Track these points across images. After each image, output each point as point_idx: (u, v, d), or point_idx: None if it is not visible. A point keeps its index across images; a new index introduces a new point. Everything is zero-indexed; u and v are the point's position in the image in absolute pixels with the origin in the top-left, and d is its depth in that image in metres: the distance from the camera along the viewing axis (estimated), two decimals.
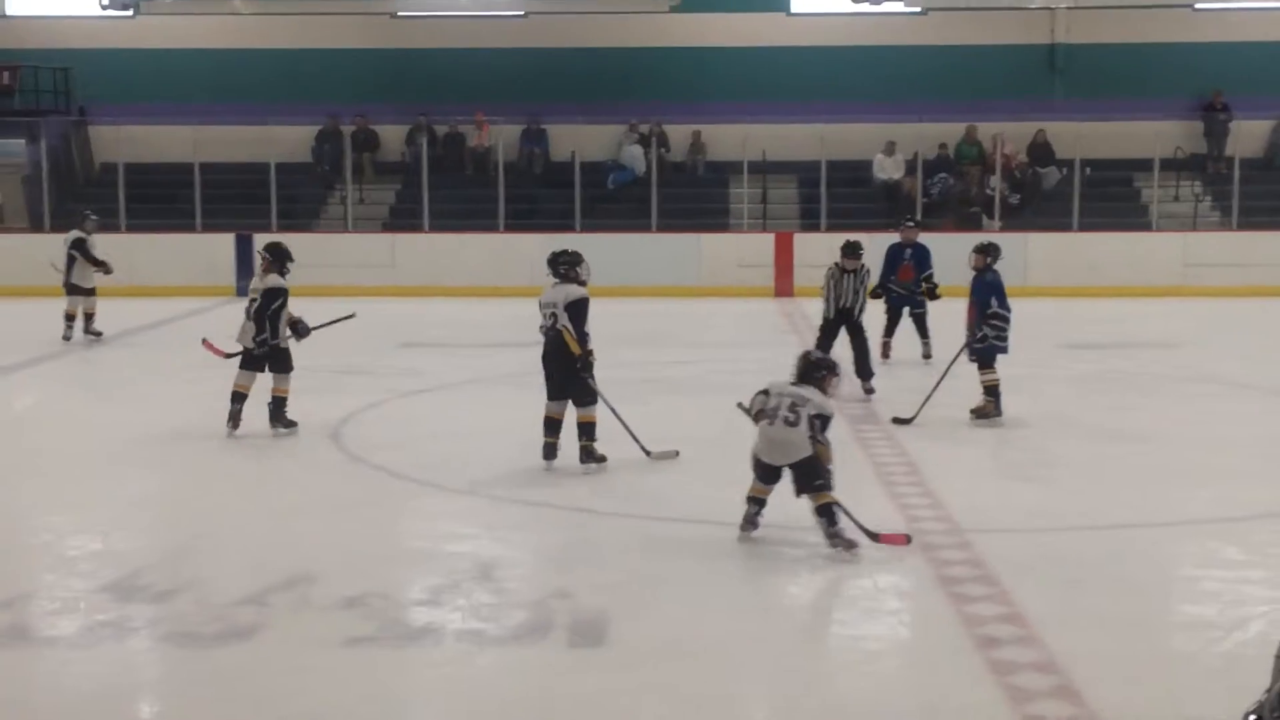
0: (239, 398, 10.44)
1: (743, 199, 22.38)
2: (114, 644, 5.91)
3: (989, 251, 10.80)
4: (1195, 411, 11.69)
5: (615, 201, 22.81)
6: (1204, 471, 9.24)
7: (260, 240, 21.08)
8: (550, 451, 9.30)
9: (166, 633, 6.05)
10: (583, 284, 9.37)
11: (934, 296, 14.04)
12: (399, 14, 23.99)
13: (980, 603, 6.29)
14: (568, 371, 9.18)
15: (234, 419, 10.40)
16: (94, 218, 16.51)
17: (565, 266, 9.37)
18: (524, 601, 6.43)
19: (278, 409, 10.46)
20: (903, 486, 8.69)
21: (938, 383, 10.87)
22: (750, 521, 7.40)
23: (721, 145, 23.22)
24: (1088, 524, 7.81)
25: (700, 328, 17.50)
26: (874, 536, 7.18)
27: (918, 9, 23.34)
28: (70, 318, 16.09)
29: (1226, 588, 6.64)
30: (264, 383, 10.54)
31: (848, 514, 7.17)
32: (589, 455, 9.22)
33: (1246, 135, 22.75)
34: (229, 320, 18.36)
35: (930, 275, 14.06)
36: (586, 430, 9.24)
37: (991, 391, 10.73)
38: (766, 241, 21.28)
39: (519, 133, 23.61)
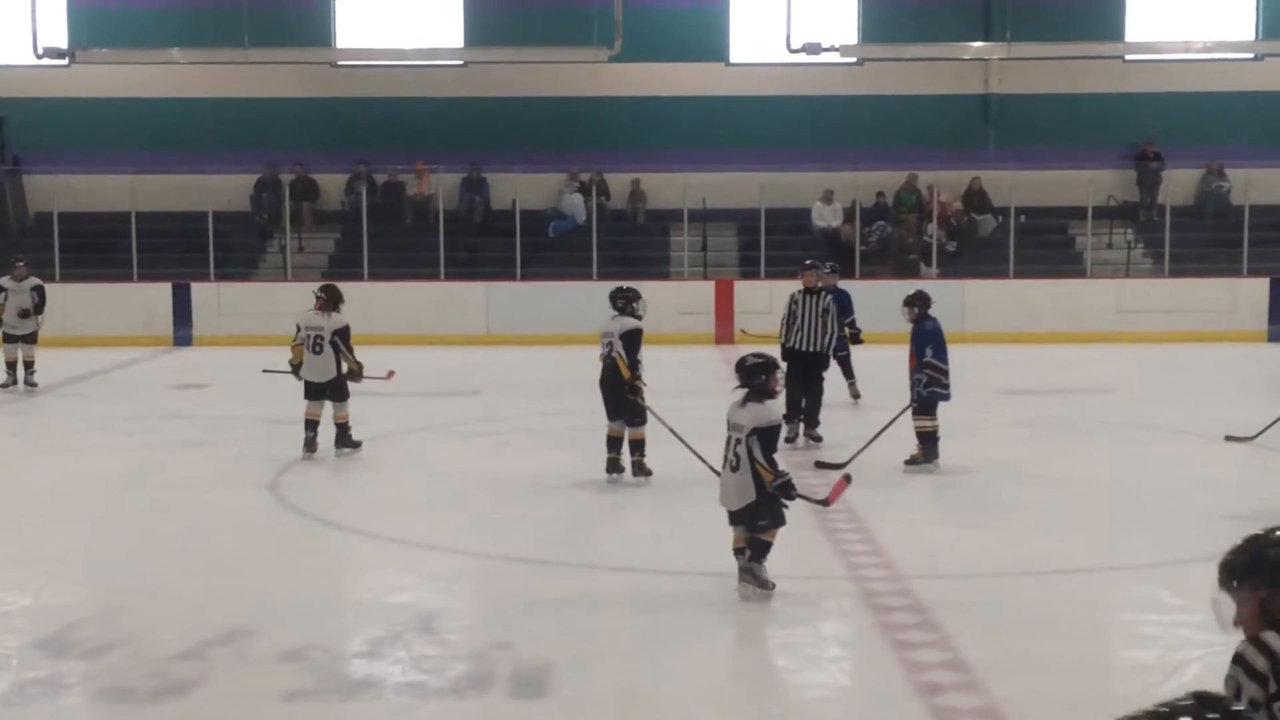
0: (312, 425, 11.50)
1: (683, 247, 22.49)
2: (46, 701, 5.79)
3: (914, 302, 10.93)
4: (1131, 456, 11.82)
5: (556, 250, 22.85)
6: (1141, 516, 9.34)
7: (198, 289, 21.12)
8: (613, 466, 10.40)
9: (101, 689, 5.94)
10: (639, 318, 10.45)
11: (856, 341, 14.11)
12: (339, 64, 23.98)
13: (922, 649, 6.30)
14: (620, 394, 10.25)
15: (309, 445, 11.43)
16: (20, 264, 16.29)
17: (623, 301, 10.48)
18: (465, 653, 6.38)
19: (342, 433, 11.58)
20: (843, 533, 8.71)
21: (875, 436, 10.91)
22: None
23: (662, 193, 23.34)
24: (1028, 569, 7.86)
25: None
26: (824, 502, 7.29)
27: (854, 60, 23.61)
28: (11, 365, 16.00)
29: (1165, 632, 6.69)
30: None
31: (804, 496, 7.16)
32: (640, 469, 10.33)
33: (1177, 184, 23.17)
34: (167, 369, 18.33)
35: (853, 321, 14.12)
36: (637, 447, 10.35)
37: (925, 439, 10.81)
38: (707, 289, 21.38)
39: (459, 181, 23.63)
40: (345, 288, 21.00)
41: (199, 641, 6.47)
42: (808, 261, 12.61)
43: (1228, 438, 12.00)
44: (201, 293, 21.29)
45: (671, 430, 10.02)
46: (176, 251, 22.15)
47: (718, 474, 7.61)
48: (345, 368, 11.56)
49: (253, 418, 13.84)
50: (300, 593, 7.50)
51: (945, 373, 10.70)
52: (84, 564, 8.45)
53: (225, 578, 7.83)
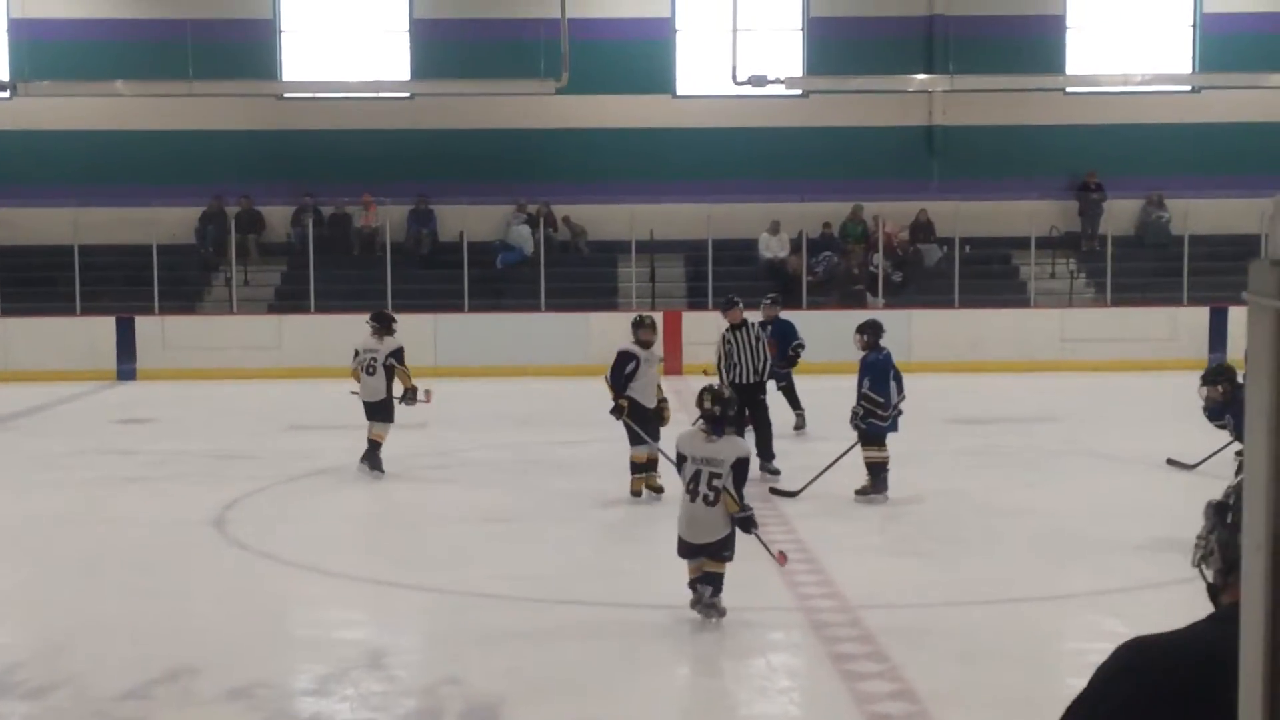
0: (377, 445, 12.11)
1: (631, 278, 22.54)
2: None
3: (864, 330, 11.09)
4: (1077, 484, 11.93)
5: (503, 281, 22.84)
6: (1087, 544, 9.42)
7: (142, 323, 20.93)
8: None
9: None
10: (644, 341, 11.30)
11: (793, 362, 14.09)
12: (285, 96, 23.90)
13: (871, 680, 6.32)
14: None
15: (377, 465, 12.06)
16: None
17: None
18: (414, 689, 6.34)
19: (373, 451, 12.03)
20: (793, 564, 8.73)
21: (828, 466, 10.97)
22: (699, 598, 7.33)
23: (609, 225, 23.39)
24: (975, 598, 7.91)
25: (588, 407, 17.49)
26: (779, 556, 7.47)
27: (799, 92, 23.80)
28: None
29: None
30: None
31: (762, 541, 7.26)
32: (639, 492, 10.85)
33: (1119, 214, 23.47)
34: (110, 404, 18.14)
35: (800, 345, 14.18)
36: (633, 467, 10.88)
37: (874, 470, 10.88)
38: (655, 320, 21.36)
39: (406, 213, 23.59)
40: (292, 320, 21.36)
41: (143, 680, 6.40)
42: (733, 299, 12.74)
43: (1169, 461, 12.18)
44: (145, 326, 21.10)
45: (661, 452, 10.01)
46: (120, 285, 21.97)
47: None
48: (400, 390, 12.21)
49: (197, 453, 13.72)
50: (246, 629, 7.43)
51: (882, 405, 10.77)
52: (25, 603, 8.33)
53: (170, 615, 7.75)
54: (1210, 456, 11.68)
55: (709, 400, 7.40)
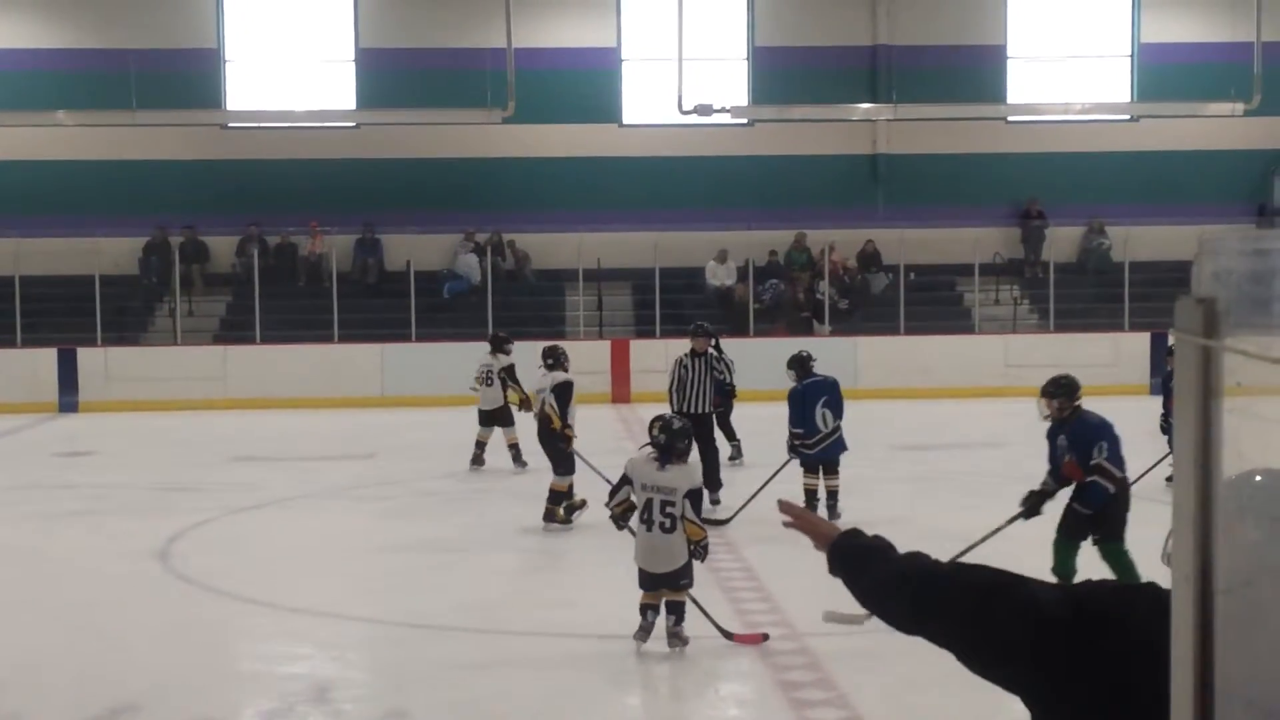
0: (480, 444, 14.01)
1: (578, 306, 22.56)
2: None
3: (791, 365, 11.37)
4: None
5: (451, 310, 22.80)
6: (1031, 569, 9.43)
7: (85, 354, 20.73)
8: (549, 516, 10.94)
9: None
10: (567, 371, 11.25)
11: (730, 394, 13.89)
12: (229, 125, 23.79)
13: (820, 707, 6.34)
14: (555, 445, 10.89)
15: (477, 460, 13.96)
16: None
17: (553, 359, 11.37)
18: None
19: (515, 453, 13.81)
20: (741, 591, 8.75)
21: (753, 494, 11.01)
22: (646, 630, 7.30)
23: (556, 253, 23.41)
24: None
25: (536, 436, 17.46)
26: (728, 635, 7.26)
27: (745, 121, 23.95)
28: None
29: None
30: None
31: (705, 613, 7.22)
32: (550, 516, 10.84)
33: (1060, 241, 23.76)
34: (52, 437, 17.93)
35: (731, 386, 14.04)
36: (555, 496, 10.87)
37: (809, 497, 11.03)
38: (602, 348, 21.43)
39: (353, 242, 23.52)
40: (237, 351, 21.22)
41: (85, 718, 6.31)
42: (703, 325, 12.72)
43: None
44: (88, 358, 20.89)
45: (604, 478, 9.97)
46: (62, 316, 21.74)
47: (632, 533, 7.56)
48: (515, 398, 13.63)
49: (141, 485, 13.59)
50: (190, 665, 7.35)
51: (801, 435, 11.01)
52: None
53: (112, 652, 7.66)
54: (1142, 475, 11.81)
55: (658, 429, 7.42)
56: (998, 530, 8.42)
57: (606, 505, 7.58)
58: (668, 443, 7.34)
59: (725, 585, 8.94)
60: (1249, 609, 1.33)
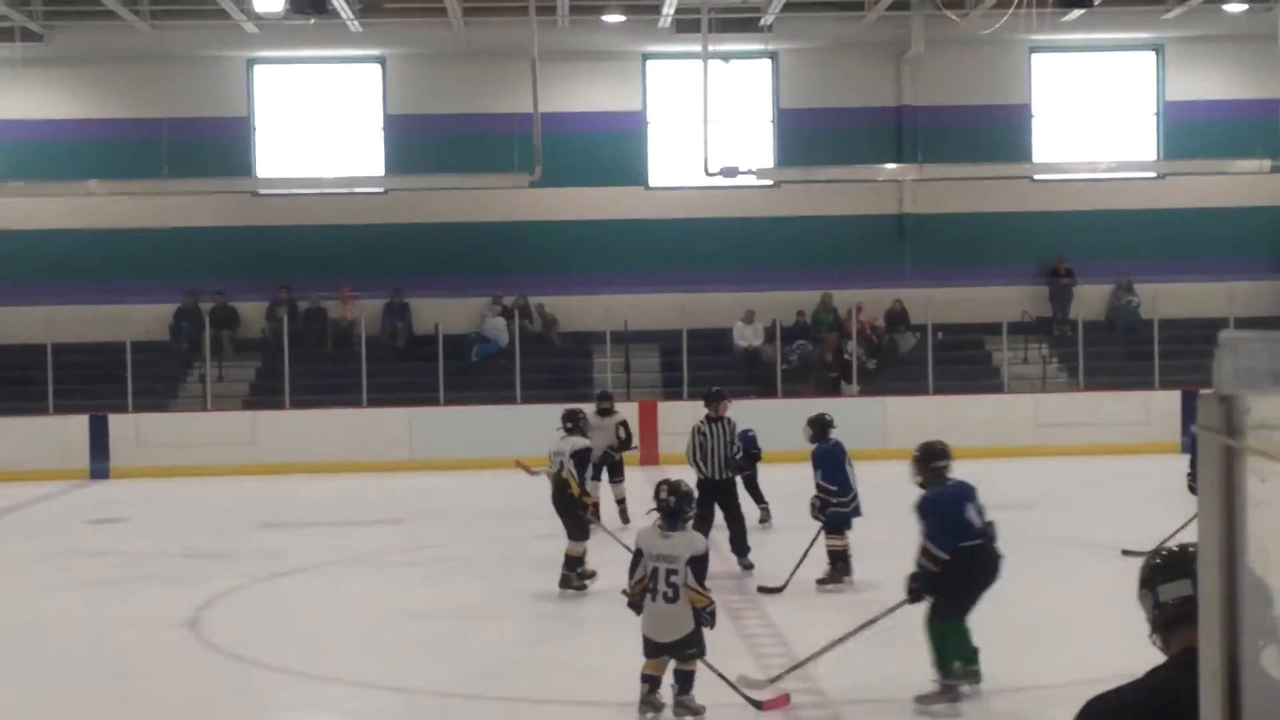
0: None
1: (606, 368, 22.58)
2: None
3: (813, 424, 11.42)
4: (1051, 572, 11.91)
5: (479, 373, 22.86)
6: (1060, 634, 9.41)
7: (116, 421, 20.85)
8: (565, 582, 10.84)
9: None
10: (588, 437, 11.47)
11: (756, 457, 13.64)
12: (260, 192, 24.03)
13: None
14: (571, 511, 10.87)
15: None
16: None
17: (572, 423, 11.46)
18: None
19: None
20: (771, 658, 8.69)
21: (802, 557, 10.98)
22: (648, 702, 7.25)
23: (584, 316, 23.47)
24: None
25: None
26: (758, 705, 7.21)
27: (771, 182, 24.05)
28: None
29: None
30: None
31: (729, 683, 7.16)
32: (566, 583, 10.76)
33: (1089, 299, 23.68)
34: (83, 504, 18.00)
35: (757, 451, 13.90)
36: (571, 562, 10.80)
37: (836, 558, 10.95)
38: (630, 410, 21.38)
39: (381, 307, 23.64)
40: (267, 416, 21.31)
41: None
42: (720, 391, 12.75)
43: (1124, 552, 12.18)
44: (119, 424, 21.01)
45: (621, 543, 9.99)
46: (93, 383, 21.88)
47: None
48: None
49: (172, 552, 13.62)
50: None
51: (833, 493, 10.92)
52: None
53: None
54: (1171, 537, 11.71)
55: (665, 492, 7.38)
56: (889, 612, 8.04)
57: (626, 590, 7.40)
58: (677, 506, 7.31)
59: (757, 652, 8.90)
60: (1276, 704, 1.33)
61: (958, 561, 7.60)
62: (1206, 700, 1.37)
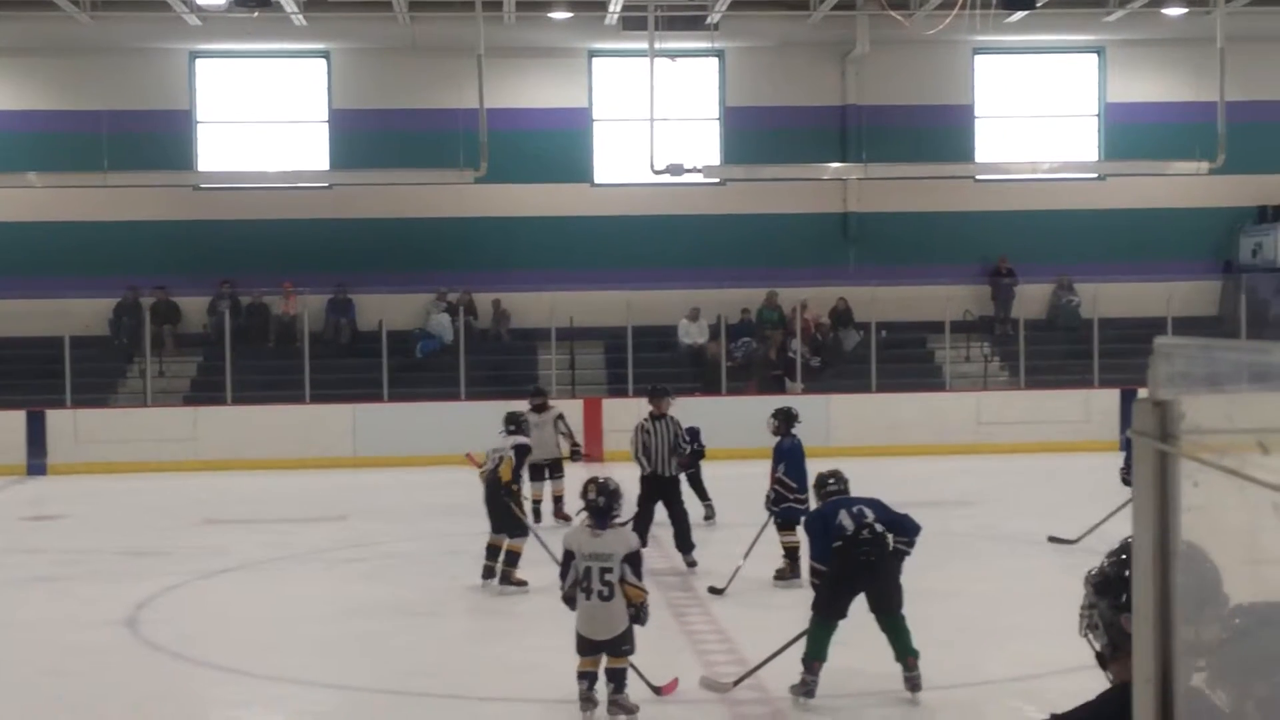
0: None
1: (551, 365, 22.55)
2: None
3: (778, 416, 11.43)
4: (993, 570, 12.03)
5: (423, 370, 22.75)
6: (1003, 630, 9.50)
7: (54, 417, 20.58)
8: (487, 573, 10.94)
9: None
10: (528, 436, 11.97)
11: (700, 454, 13.63)
12: (201, 186, 23.80)
13: None
14: (501, 506, 10.93)
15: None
16: None
17: (515, 426, 11.97)
18: None
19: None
20: (715, 655, 8.72)
21: (747, 551, 11.00)
22: (588, 699, 7.26)
23: (529, 312, 23.42)
24: (895, 687, 7.93)
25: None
26: (657, 690, 7.29)
27: (717, 180, 24.09)
28: None
29: None
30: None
31: (636, 670, 7.20)
32: (506, 579, 10.82)
33: (1030, 298, 23.89)
34: (19, 501, 17.78)
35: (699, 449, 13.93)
36: (511, 558, 10.87)
37: (791, 554, 10.98)
38: (575, 407, 21.37)
39: (325, 302, 23.48)
40: (208, 412, 21.12)
41: None
42: (664, 388, 12.79)
43: (1051, 538, 12.38)
44: (57, 420, 20.74)
45: (550, 553, 9.93)
46: (31, 378, 21.60)
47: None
48: (566, 448, 14.33)
49: (110, 549, 13.47)
50: None
51: (794, 489, 10.89)
52: None
53: None
54: (1089, 532, 11.91)
55: (594, 492, 7.38)
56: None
57: (561, 590, 7.40)
58: (606, 505, 7.32)
59: (700, 650, 8.92)
60: (1208, 712, 1.35)
61: (832, 564, 7.81)
62: (1140, 706, 1.39)
